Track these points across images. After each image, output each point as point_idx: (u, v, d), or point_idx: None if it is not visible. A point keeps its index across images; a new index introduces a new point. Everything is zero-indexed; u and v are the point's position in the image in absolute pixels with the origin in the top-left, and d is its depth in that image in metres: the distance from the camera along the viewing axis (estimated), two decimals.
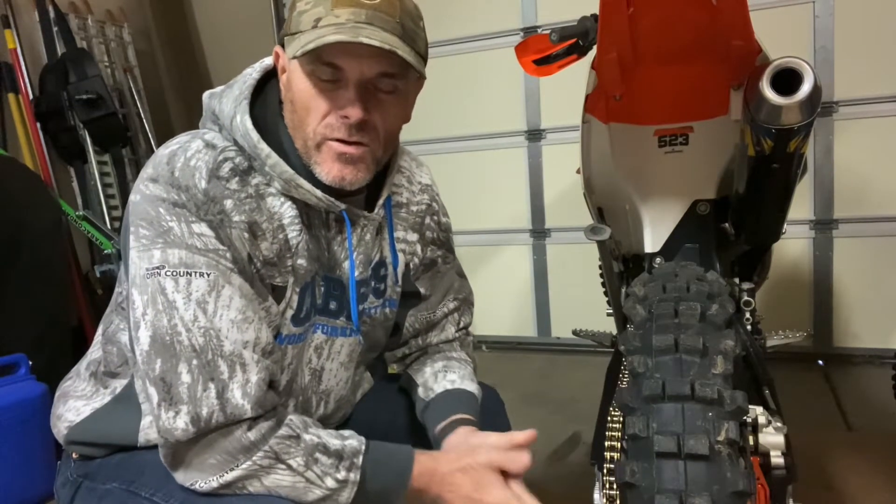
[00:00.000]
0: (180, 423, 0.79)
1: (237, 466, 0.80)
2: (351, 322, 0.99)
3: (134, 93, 3.11)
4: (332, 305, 0.98)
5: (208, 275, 0.82)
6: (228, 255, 0.84)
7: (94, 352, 1.01)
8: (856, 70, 2.58)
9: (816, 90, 0.89)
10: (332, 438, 0.85)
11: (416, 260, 1.09)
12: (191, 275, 0.81)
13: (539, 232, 3.17)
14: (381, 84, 0.86)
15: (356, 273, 0.98)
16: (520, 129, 3.12)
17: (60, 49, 2.78)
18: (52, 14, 2.78)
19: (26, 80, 2.69)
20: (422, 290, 1.12)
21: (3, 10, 2.66)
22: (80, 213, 2.65)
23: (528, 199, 3.16)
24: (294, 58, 0.83)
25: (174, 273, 0.81)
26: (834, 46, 2.60)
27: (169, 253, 0.82)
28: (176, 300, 0.81)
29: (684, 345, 0.81)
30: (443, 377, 1.07)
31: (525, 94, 3.06)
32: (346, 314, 0.99)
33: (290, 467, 0.82)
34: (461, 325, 1.16)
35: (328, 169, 0.87)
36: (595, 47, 1.15)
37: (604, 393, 1.20)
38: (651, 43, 1.06)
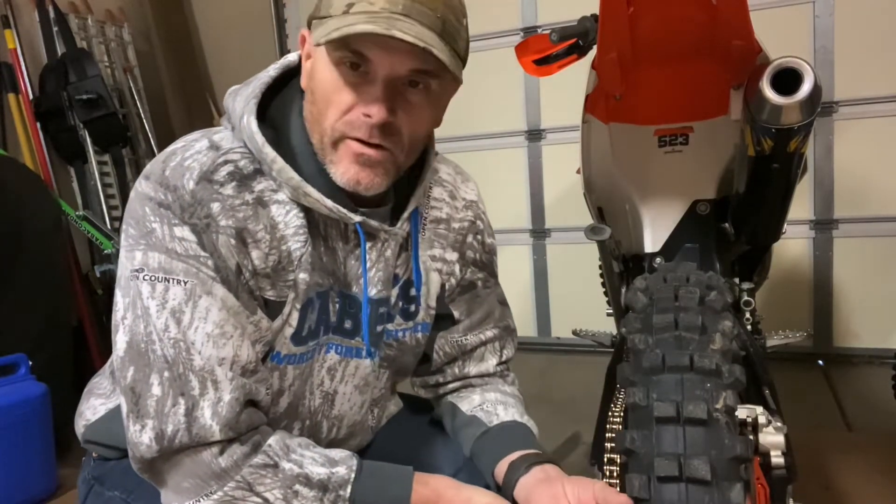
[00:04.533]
0: (145, 438, 0.75)
1: (210, 494, 0.76)
2: (364, 343, 0.93)
3: (134, 93, 3.11)
4: (348, 324, 0.91)
5: (185, 283, 0.76)
6: (210, 262, 0.77)
7: None
8: (856, 70, 2.58)
9: (816, 90, 0.89)
10: (316, 467, 0.78)
11: (454, 281, 1.00)
12: (168, 281, 0.76)
13: (539, 232, 3.17)
14: (412, 82, 0.79)
15: (373, 291, 0.90)
16: (520, 129, 3.12)
17: (60, 49, 2.78)
18: (52, 14, 2.78)
19: (26, 80, 2.69)
20: (455, 314, 1.02)
21: (3, 10, 2.66)
22: (80, 213, 2.65)
23: (528, 199, 3.16)
24: (318, 44, 0.76)
25: (152, 278, 0.76)
26: (834, 46, 2.60)
27: (150, 256, 0.77)
28: (150, 307, 0.76)
29: (684, 322, 0.82)
30: (506, 409, 0.98)
31: (525, 94, 3.07)
32: (362, 334, 0.92)
33: (266, 501, 0.76)
34: (503, 357, 1.05)
35: (343, 170, 0.80)
36: (595, 47, 1.15)
37: (604, 393, 1.20)
38: (651, 43, 1.06)
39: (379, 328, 0.93)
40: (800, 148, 0.98)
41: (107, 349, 2.58)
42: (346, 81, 0.78)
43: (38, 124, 2.72)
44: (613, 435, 0.96)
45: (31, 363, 1.93)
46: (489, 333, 1.04)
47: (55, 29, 2.78)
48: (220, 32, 3.57)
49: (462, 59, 0.83)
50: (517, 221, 3.18)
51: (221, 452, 0.76)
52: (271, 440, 0.79)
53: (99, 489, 0.94)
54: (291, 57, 0.89)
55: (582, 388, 2.52)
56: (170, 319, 0.76)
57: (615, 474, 0.98)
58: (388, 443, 1.05)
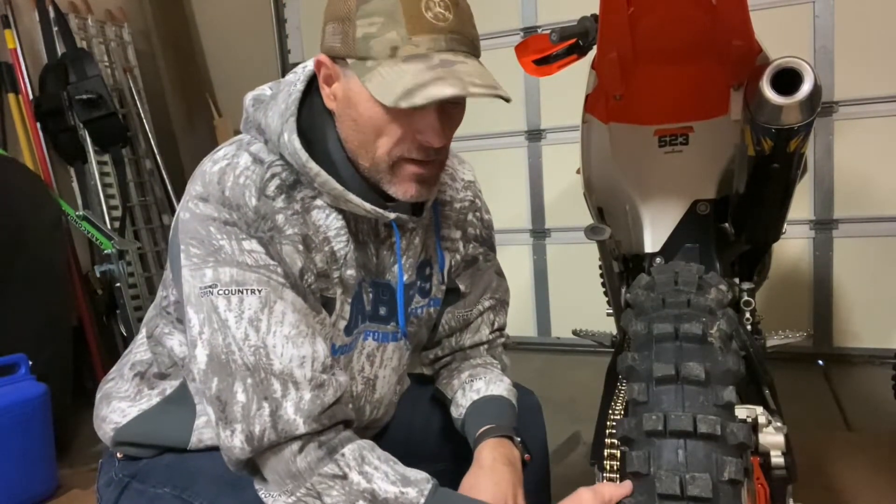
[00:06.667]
0: (237, 441, 0.78)
1: (287, 493, 0.79)
2: (399, 327, 0.99)
3: (134, 93, 3.11)
4: (382, 311, 0.98)
5: (259, 291, 0.81)
6: (279, 269, 0.83)
7: (141, 353, 1.01)
8: (856, 70, 2.58)
9: (816, 90, 0.89)
10: (386, 484, 0.78)
11: (458, 257, 1.09)
12: (242, 292, 0.81)
13: (539, 232, 3.17)
14: (454, 102, 0.85)
15: (404, 277, 0.97)
16: (520, 129, 3.13)
17: (60, 49, 2.78)
18: (52, 14, 2.78)
19: (26, 80, 2.69)
20: (461, 288, 1.10)
21: (3, 10, 2.66)
22: (80, 213, 2.65)
23: (528, 199, 3.16)
24: (397, 106, 0.77)
25: (226, 291, 0.81)
26: (834, 46, 2.60)
27: (220, 271, 0.81)
28: (228, 319, 0.80)
29: (682, 276, 0.91)
30: (469, 388, 1.05)
31: (525, 94, 3.07)
32: (396, 319, 0.99)
33: None
34: (495, 325, 1.15)
35: (404, 189, 0.86)
36: (595, 47, 1.15)
37: (604, 393, 1.20)
38: (651, 43, 1.06)
39: (408, 309, 1.00)
40: (800, 148, 0.98)
41: (107, 349, 2.61)
42: (396, 115, 0.81)
43: (38, 124, 2.72)
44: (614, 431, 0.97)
45: (31, 363, 1.93)
46: (486, 304, 1.13)
47: (55, 29, 2.78)
48: (220, 32, 3.56)
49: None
50: (517, 221, 3.18)
51: (301, 450, 0.78)
52: (346, 449, 0.80)
53: (140, 486, 0.95)
54: (310, 66, 0.91)
55: (582, 388, 2.52)
56: (249, 328, 0.80)
57: (615, 468, 0.99)
58: (404, 415, 1.12)
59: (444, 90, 0.76)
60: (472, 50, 0.83)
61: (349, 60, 0.81)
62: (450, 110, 0.85)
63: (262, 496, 0.81)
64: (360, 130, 0.84)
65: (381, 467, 0.79)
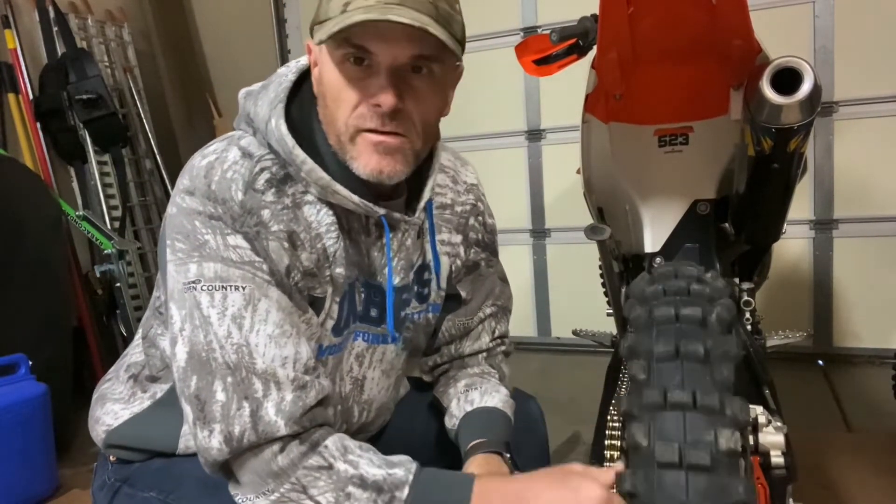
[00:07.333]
0: (214, 442, 0.76)
1: (268, 493, 0.77)
2: (389, 330, 0.97)
3: (134, 93, 3.10)
4: (373, 312, 0.95)
5: (243, 288, 0.79)
6: (265, 266, 0.80)
7: (135, 354, 1.00)
8: (856, 70, 2.58)
9: (816, 89, 0.89)
10: (373, 468, 0.77)
11: (459, 262, 1.05)
12: (226, 289, 0.79)
13: (539, 232, 3.17)
14: (415, 69, 0.81)
15: (397, 279, 0.94)
16: (520, 129, 3.12)
17: (60, 49, 2.78)
18: (52, 14, 2.78)
19: (26, 80, 2.69)
20: (463, 294, 1.08)
21: (3, 10, 2.66)
22: (80, 213, 2.65)
23: (528, 199, 3.16)
24: (321, 43, 0.78)
25: (210, 287, 0.79)
26: (834, 46, 2.60)
27: (205, 266, 0.79)
28: (210, 315, 0.78)
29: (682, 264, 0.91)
30: (464, 399, 1.03)
31: (525, 94, 3.06)
32: (387, 321, 0.96)
33: None
34: (496, 333, 1.12)
35: (365, 162, 0.82)
36: (595, 47, 1.15)
37: (604, 393, 1.20)
38: (651, 42, 1.06)
39: (402, 314, 0.98)
40: (800, 147, 0.98)
41: (107, 349, 2.62)
42: (351, 77, 0.80)
43: (38, 124, 2.71)
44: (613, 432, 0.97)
45: (31, 363, 1.93)
46: (488, 311, 1.11)
47: (55, 29, 2.78)
48: (220, 32, 3.56)
49: (461, 43, 0.84)
50: (517, 221, 3.18)
51: (282, 450, 0.77)
52: (328, 441, 0.79)
53: (129, 491, 0.95)
54: (304, 60, 0.90)
55: (582, 388, 2.52)
56: (231, 325, 0.78)
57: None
58: (403, 421, 1.11)
59: (363, 15, 0.74)
60: (435, 17, 0.78)
61: (315, 27, 0.82)
62: (408, 77, 0.81)
63: (239, 501, 0.79)
64: (326, 105, 0.84)
65: (364, 455, 0.79)
